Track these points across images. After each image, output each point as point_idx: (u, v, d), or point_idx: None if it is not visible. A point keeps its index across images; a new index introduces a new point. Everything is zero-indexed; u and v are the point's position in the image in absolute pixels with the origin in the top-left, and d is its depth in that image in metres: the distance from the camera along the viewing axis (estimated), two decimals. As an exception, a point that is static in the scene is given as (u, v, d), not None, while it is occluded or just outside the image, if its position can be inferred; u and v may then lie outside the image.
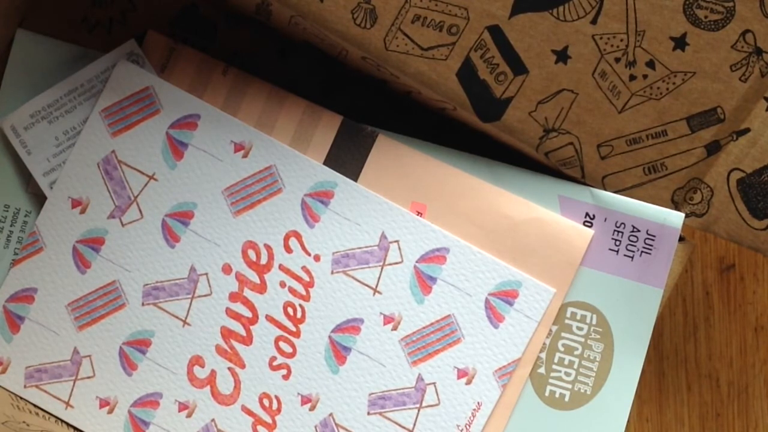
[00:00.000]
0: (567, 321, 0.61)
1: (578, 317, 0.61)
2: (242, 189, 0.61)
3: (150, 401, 0.62)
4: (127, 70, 0.62)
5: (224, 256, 0.62)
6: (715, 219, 0.61)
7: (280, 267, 0.61)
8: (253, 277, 0.61)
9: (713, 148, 0.60)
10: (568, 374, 0.61)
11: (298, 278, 0.61)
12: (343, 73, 0.66)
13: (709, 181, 0.60)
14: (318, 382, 0.61)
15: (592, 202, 0.61)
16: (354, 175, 0.61)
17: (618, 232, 0.61)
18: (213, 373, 0.62)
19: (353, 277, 0.61)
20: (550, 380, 0.61)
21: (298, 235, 0.61)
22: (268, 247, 0.61)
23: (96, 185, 0.62)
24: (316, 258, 0.61)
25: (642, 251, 0.60)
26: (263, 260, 0.61)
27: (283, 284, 0.61)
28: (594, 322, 0.61)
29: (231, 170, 0.62)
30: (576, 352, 0.61)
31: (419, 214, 0.61)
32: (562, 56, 0.58)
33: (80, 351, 0.62)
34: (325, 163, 0.62)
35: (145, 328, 0.62)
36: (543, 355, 0.61)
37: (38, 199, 0.63)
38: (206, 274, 0.62)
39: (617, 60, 0.59)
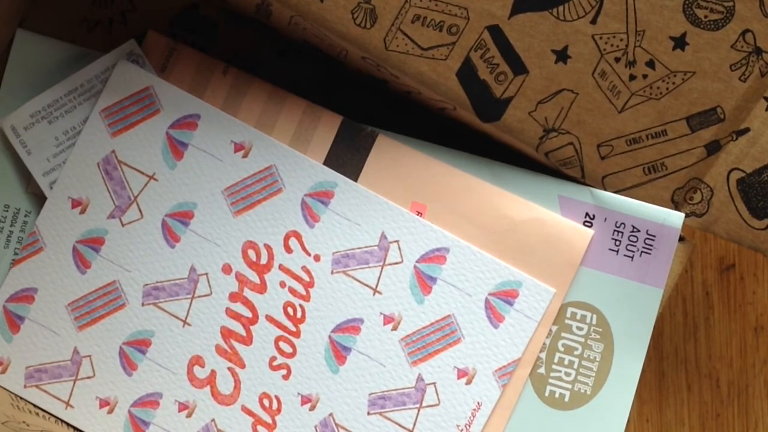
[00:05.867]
0: (567, 321, 0.61)
1: (578, 317, 0.61)
2: (242, 189, 0.62)
3: (150, 401, 0.62)
4: (127, 70, 0.62)
5: (224, 256, 0.62)
6: (715, 219, 0.61)
7: (280, 267, 0.61)
8: (253, 277, 0.61)
9: (713, 148, 0.60)
10: (568, 374, 0.61)
11: (298, 278, 0.61)
12: (343, 73, 0.66)
13: (709, 181, 0.60)
14: (318, 382, 0.61)
15: (592, 202, 0.61)
16: (354, 175, 0.61)
17: (618, 232, 0.61)
18: (213, 373, 0.62)
19: (353, 277, 0.61)
20: (550, 380, 0.61)
21: (298, 235, 0.61)
22: (268, 247, 0.61)
23: (96, 185, 0.62)
24: (316, 258, 0.61)
25: (642, 251, 0.60)
26: (263, 260, 0.61)
27: (283, 284, 0.61)
28: (594, 322, 0.61)
29: (231, 170, 0.62)
30: (576, 352, 0.61)
31: (419, 214, 0.61)
32: (562, 56, 0.58)
33: (80, 351, 0.62)
34: (325, 163, 0.62)
35: (145, 328, 0.62)
36: (543, 355, 0.61)
37: (38, 199, 0.63)
38: (206, 274, 0.62)
39: (617, 60, 0.59)
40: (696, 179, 0.60)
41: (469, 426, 0.61)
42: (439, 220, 0.61)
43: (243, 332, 0.61)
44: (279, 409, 0.61)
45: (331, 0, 0.57)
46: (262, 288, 0.61)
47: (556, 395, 0.61)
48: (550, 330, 0.61)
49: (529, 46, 0.58)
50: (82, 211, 0.62)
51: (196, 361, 0.62)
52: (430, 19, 0.57)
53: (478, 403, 0.61)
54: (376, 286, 0.61)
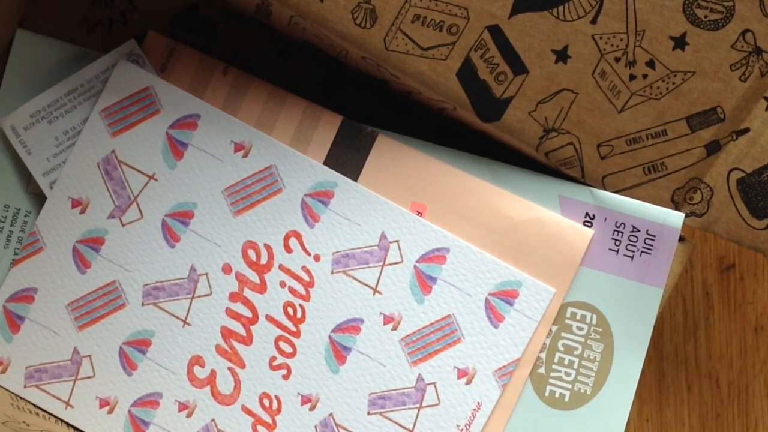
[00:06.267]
0: (567, 321, 0.61)
1: (578, 317, 0.61)
2: (242, 189, 0.62)
3: (150, 401, 0.62)
4: (127, 70, 0.62)
5: (224, 256, 0.62)
6: (715, 219, 0.61)
7: (280, 267, 0.61)
8: (253, 277, 0.61)
9: (713, 148, 0.60)
10: (568, 374, 0.61)
11: (298, 278, 0.61)
12: (343, 73, 0.66)
13: (709, 181, 0.60)
14: (318, 382, 0.61)
15: (592, 202, 0.61)
16: (354, 175, 0.61)
17: (618, 232, 0.61)
18: (213, 373, 0.62)
19: (353, 277, 0.61)
20: (550, 380, 0.61)
21: (298, 235, 0.61)
22: (268, 247, 0.61)
23: (96, 185, 0.62)
24: (316, 258, 0.61)
25: (642, 251, 0.60)
26: (263, 260, 0.61)
27: (283, 284, 0.61)
28: (594, 322, 0.61)
29: (231, 170, 0.62)
30: (576, 352, 0.61)
31: (419, 214, 0.61)
32: (562, 56, 0.58)
33: (80, 351, 0.62)
34: (325, 163, 0.62)
35: (145, 328, 0.62)
36: (543, 355, 0.61)
37: (38, 199, 0.63)
38: (206, 274, 0.62)
39: (617, 60, 0.59)
40: (696, 179, 0.60)
41: (469, 426, 0.61)
42: (439, 220, 0.61)
43: (243, 332, 0.61)
44: (279, 409, 0.61)
45: (331, 0, 0.57)
46: (262, 288, 0.61)
47: (556, 395, 0.61)
48: (550, 330, 0.61)
49: (529, 46, 0.58)
50: (82, 211, 0.62)
51: (196, 361, 0.62)
52: (430, 19, 0.57)
53: (478, 403, 0.61)
54: (376, 286, 0.61)
